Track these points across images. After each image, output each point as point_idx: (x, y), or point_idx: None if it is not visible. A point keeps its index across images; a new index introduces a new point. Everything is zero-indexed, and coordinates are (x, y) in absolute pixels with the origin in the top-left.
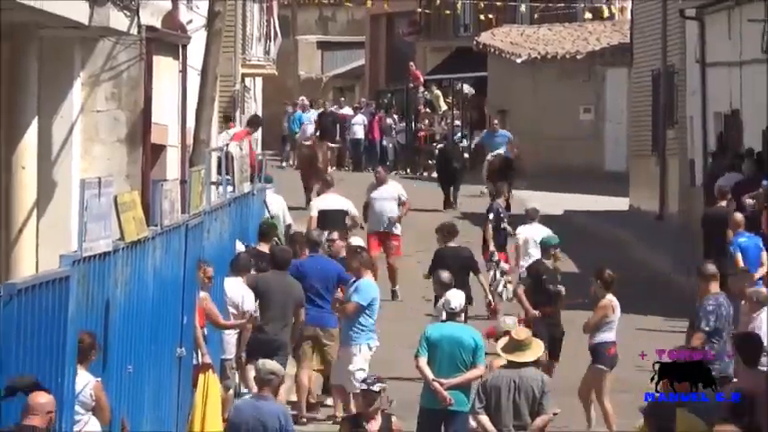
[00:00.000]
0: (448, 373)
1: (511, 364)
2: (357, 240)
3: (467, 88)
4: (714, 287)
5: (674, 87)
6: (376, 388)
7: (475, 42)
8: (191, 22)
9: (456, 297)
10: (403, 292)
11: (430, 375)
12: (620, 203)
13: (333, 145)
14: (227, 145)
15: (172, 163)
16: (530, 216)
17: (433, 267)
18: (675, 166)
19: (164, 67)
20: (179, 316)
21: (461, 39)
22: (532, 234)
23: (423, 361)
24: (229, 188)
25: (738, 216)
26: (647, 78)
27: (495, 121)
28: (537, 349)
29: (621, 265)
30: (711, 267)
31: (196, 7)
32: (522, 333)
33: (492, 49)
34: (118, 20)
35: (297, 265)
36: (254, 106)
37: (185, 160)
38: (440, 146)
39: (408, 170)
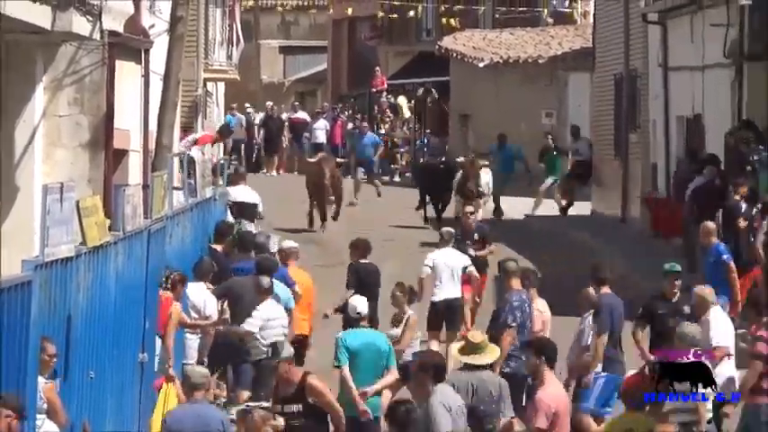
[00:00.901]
0: (370, 380)
1: (467, 367)
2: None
3: (426, 90)
4: (516, 283)
5: (637, 91)
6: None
7: (437, 47)
8: (153, 26)
9: (362, 302)
10: None
11: (354, 388)
12: (582, 207)
13: (341, 160)
14: (189, 150)
15: (134, 168)
16: (444, 239)
17: (348, 281)
18: (638, 170)
19: (126, 71)
20: (141, 321)
21: (424, 43)
22: (446, 260)
23: (347, 370)
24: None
25: (711, 225)
26: (609, 83)
27: (365, 124)
28: (493, 352)
29: (584, 268)
30: (513, 264)
31: (159, 12)
32: (477, 336)
33: (454, 54)
34: (80, 25)
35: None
36: (217, 111)
37: (148, 165)
38: (437, 158)
39: None
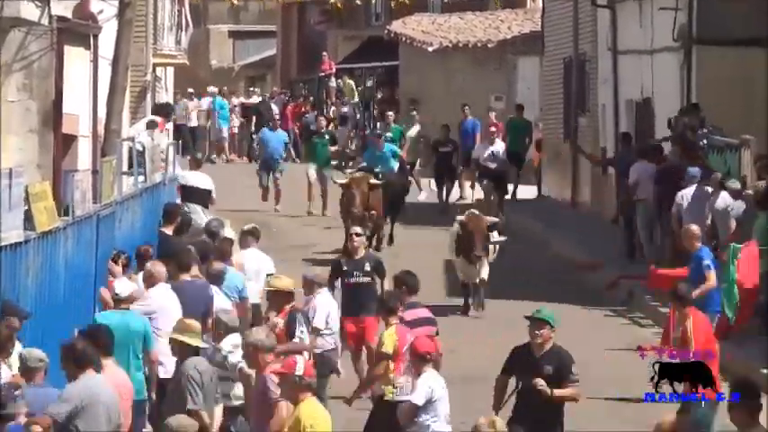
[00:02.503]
0: (125, 359)
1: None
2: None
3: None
4: (194, 270)
5: (586, 75)
6: None
7: (386, 31)
8: (102, 12)
9: (127, 285)
10: None
11: None
12: (532, 192)
13: (375, 182)
14: (139, 134)
15: (83, 153)
16: (254, 236)
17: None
18: None
19: (75, 57)
20: (91, 306)
21: (373, 28)
22: (250, 264)
23: None
24: (141, 178)
25: (695, 228)
26: (558, 66)
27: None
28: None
29: (535, 252)
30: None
31: None
32: (194, 324)
33: (403, 38)
34: (29, 10)
35: None
36: (166, 96)
37: (97, 150)
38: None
39: None
